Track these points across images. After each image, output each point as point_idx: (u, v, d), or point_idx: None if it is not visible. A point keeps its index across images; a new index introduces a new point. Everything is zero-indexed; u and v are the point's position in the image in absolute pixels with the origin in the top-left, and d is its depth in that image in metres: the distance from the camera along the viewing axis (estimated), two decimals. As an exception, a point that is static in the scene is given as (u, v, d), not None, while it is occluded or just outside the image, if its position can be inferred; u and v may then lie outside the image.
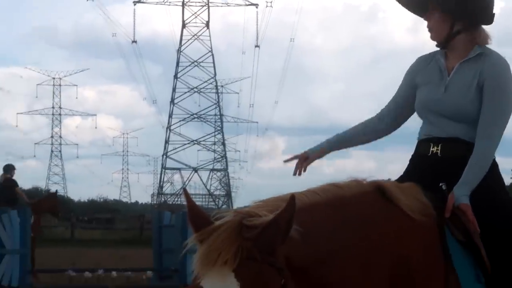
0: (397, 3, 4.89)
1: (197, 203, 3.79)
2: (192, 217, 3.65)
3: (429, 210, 4.41)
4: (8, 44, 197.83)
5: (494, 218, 4.56)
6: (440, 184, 4.66)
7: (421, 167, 4.83)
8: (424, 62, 4.95)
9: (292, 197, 3.52)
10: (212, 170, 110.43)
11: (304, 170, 5.11)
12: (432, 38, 4.83)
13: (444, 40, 4.77)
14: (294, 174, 5.11)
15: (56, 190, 26.94)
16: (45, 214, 25.57)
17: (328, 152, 5.15)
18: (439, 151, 4.77)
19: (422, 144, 4.89)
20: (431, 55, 4.94)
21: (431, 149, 4.80)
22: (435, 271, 4.24)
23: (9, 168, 24.26)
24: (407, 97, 4.99)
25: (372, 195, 4.29)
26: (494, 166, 4.76)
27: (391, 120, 5.09)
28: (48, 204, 25.80)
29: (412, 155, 4.98)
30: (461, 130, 4.73)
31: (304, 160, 5.08)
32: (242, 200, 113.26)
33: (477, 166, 4.61)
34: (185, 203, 3.82)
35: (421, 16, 4.85)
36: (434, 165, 4.76)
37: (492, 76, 4.68)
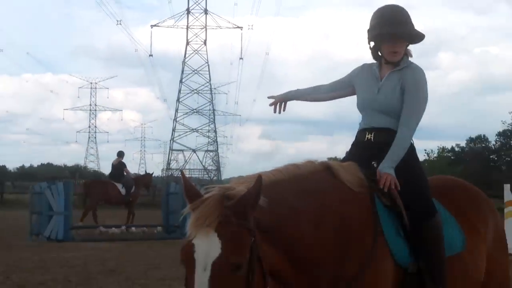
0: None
1: (194, 176, 3.83)
2: (187, 192, 3.66)
3: (363, 183, 4.39)
4: (58, 57, 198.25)
5: (410, 185, 4.53)
6: (372, 163, 4.64)
7: (358, 150, 4.79)
8: (365, 69, 4.90)
9: (259, 176, 3.55)
10: (207, 151, 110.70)
11: (284, 110, 5.23)
12: (395, 59, 4.71)
13: (400, 59, 4.73)
14: (274, 112, 5.22)
15: (153, 172, 28.30)
16: (141, 187, 26.07)
17: (293, 99, 5.23)
18: (372, 138, 4.73)
19: (360, 132, 4.84)
20: (370, 65, 4.90)
21: (366, 136, 4.76)
22: (367, 227, 4.21)
23: (121, 154, 25.12)
24: (344, 86, 5.02)
25: (322, 173, 4.27)
26: (412, 147, 4.74)
27: (331, 94, 5.13)
28: (145, 180, 26.34)
29: (353, 141, 4.93)
30: (389, 121, 4.68)
31: (281, 103, 5.20)
32: (228, 173, 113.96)
33: (399, 147, 4.57)
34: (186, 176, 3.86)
35: (392, 43, 4.69)
36: (368, 148, 4.72)
37: (411, 80, 4.66)
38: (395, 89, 4.68)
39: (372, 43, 4.82)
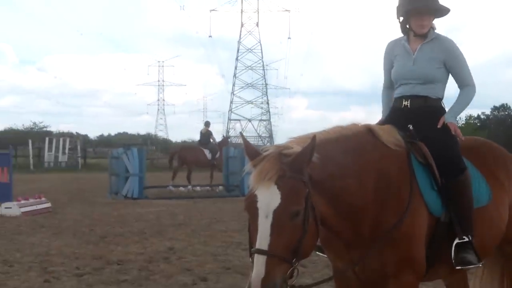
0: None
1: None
2: (247, 151, 3.71)
3: (401, 143, 4.36)
4: (129, 38, 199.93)
5: (442, 145, 4.49)
6: (408, 126, 4.63)
7: (396, 115, 4.75)
8: (396, 45, 4.84)
9: (314, 136, 3.60)
10: (260, 120, 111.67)
11: None
12: (423, 31, 4.67)
13: (427, 32, 4.69)
14: None
15: (229, 136, 29.31)
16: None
17: None
18: (408, 104, 4.70)
19: (398, 100, 4.80)
20: (397, 40, 4.85)
21: (403, 103, 4.72)
22: (404, 181, 4.19)
23: (208, 124, 26.43)
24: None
25: (364, 133, 4.26)
26: (444, 112, 4.70)
27: (392, 89, 4.96)
28: (223, 143, 26.85)
29: (391, 108, 4.90)
30: (425, 89, 4.65)
31: None
32: (279, 139, 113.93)
33: (465, 100, 4.73)
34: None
35: (420, 16, 4.65)
36: (405, 113, 4.69)
37: (450, 49, 4.67)
38: (430, 59, 4.64)
39: (401, 18, 4.79)
